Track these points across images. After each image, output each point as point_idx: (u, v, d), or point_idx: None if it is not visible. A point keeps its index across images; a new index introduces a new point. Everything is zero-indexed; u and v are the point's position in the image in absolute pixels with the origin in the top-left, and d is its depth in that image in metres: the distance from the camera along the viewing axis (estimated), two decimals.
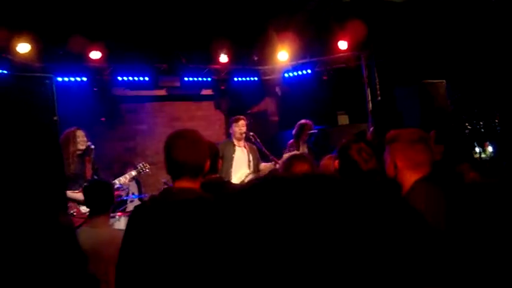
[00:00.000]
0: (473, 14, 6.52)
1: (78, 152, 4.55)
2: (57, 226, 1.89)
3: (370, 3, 6.86)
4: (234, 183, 4.61)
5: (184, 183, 1.94)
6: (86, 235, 2.65)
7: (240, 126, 5.44)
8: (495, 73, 6.98)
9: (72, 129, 4.64)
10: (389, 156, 2.27)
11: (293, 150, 5.45)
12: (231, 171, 5.27)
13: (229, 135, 5.58)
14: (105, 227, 2.90)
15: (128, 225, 1.92)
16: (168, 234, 1.82)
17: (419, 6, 6.78)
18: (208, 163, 2.09)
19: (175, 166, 1.96)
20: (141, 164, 5.31)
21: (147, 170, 5.34)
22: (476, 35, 6.68)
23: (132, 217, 1.95)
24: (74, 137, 4.54)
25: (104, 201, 2.84)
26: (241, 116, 5.52)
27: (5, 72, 5.02)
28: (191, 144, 1.97)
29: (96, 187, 2.91)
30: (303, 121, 5.99)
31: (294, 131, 5.93)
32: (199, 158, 1.97)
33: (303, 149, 5.88)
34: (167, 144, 2.00)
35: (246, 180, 5.29)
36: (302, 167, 2.48)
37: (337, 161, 2.38)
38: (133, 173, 5.24)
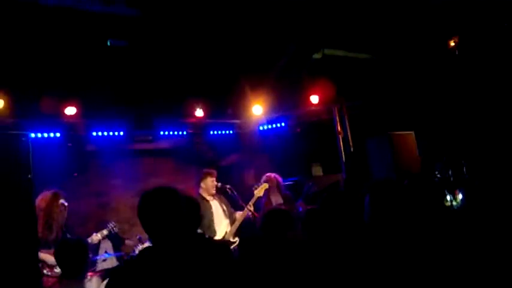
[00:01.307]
0: (438, 66, 6.91)
1: (61, 221, 4.48)
2: None
3: (339, 60, 7.20)
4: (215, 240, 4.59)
5: (163, 243, 1.92)
6: None
7: (214, 180, 5.47)
8: (461, 123, 7.31)
9: (55, 194, 4.57)
10: None
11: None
12: (214, 227, 5.24)
13: (198, 191, 5.52)
14: None
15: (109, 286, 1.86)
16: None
17: (386, 61, 7.17)
18: (184, 219, 2.07)
19: (151, 227, 1.94)
20: (111, 224, 5.23)
21: (116, 230, 5.31)
22: (441, 87, 7.05)
23: (111, 280, 1.89)
24: (58, 205, 4.48)
25: (76, 262, 2.68)
26: (212, 170, 5.55)
27: None
28: (169, 204, 1.96)
29: (68, 248, 2.75)
30: (269, 174, 6.03)
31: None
32: (178, 218, 1.95)
33: (276, 199, 5.92)
34: (140, 205, 1.97)
35: (228, 231, 5.28)
36: None
37: None
38: (105, 232, 5.14)
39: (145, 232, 2.04)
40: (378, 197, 2.39)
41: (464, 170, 7.48)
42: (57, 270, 4.11)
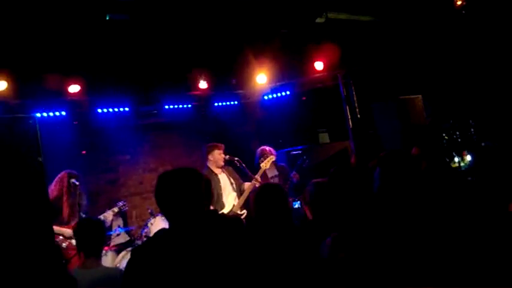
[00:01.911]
0: (444, 27, 6.75)
1: (72, 199, 4.58)
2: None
3: (343, 24, 7.05)
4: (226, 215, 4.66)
5: (179, 222, 1.94)
6: (80, 277, 2.61)
7: (222, 153, 5.47)
8: (469, 84, 7.22)
9: (67, 174, 4.65)
10: None
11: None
12: (222, 200, 5.29)
13: (206, 164, 5.54)
14: (98, 267, 2.84)
15: (127, 270, 1.89)
16: (168, 276, 1.82)
17: (390, 23, 7.01)
18: (202, 199, 2.09)
19: (169, 208, 1.95)
20: (121, 202, 5.38)
21: (126, 208, 5.52)
22: (448, 48, 6.91)
23: (133, 259, 1.92)
24: (69, 185, 4.57)
25: (96, 242, 2.78)
26: (220, 144, 5.54)
27: None
28: (185, 186, 1.97)
29: (88, 227, 2.84)
30: (264, 147, 6.03)
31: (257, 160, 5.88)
32: (195, 199, 1.97)
33: (271, 171, 5.96)
34: (159, 186, 1.99)
35: (236, 204, 5.34)
36: None
37: None
38: (115, 209, 5.29)
39: (162, 211, 2.06)
40: (388, 170, 2.38)
41: (472, 131, 7.45)
42: (74, 241, 4.24)
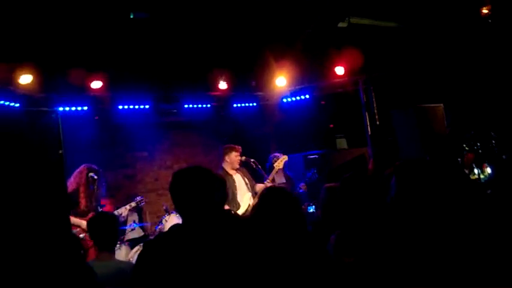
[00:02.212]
0: (469, 36, 6.66)
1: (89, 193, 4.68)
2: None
3: (365, 29, 7.01)
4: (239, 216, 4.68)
5: (192, 219, 1.96)
6: (95, 270, 2.65)
7: (238, 155, 5.51)
8: (491, 95, 7.10)
9: (85, 168, 4.77)
10: None
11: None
12: (237, 200, 5.32)
13: (221, 164, 5.58)
14: (111, 260, 2.87)
15: (139, 262, 1.93)
16: (177, 272, 1.84)
17: (414, 30, 6.94)
18: (215, 198, 2.11)
19: (183, 205, 1.98)
20: (139, 197, 5.45)
21: (143, 203, 5.58)
22: (472, 57, 6.81)
23: (142, 256, 1.95)
24: (87, 178, 4.68)
25: (110, 236, 2.82)
26: (237, 146, 5.58)
27: (8, 103, 5.05)
28: (199, 184, 1.99)
29: (102, 222, 2.88)
30: (277, 154, 6.09)
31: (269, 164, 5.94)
32: (209, 197, 1.99)
33: (279, 179, 6.00)
34: (174, 183, 2.01)
35: (251, 204, 5.36)
36: None
37: None
38: (133, 204, 5.36)
39: (176, 208, 2.09)
40: (403, 179, 2.36)
41: (494, 143, 7.31)
42: None
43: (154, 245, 2.05)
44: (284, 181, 6.05)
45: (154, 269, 1.87)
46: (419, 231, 2.15)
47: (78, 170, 4.82)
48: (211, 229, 1.99)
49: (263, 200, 2.62)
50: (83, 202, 4.68)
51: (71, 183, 4.65)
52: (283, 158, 5.75)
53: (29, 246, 1.85)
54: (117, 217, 3.04)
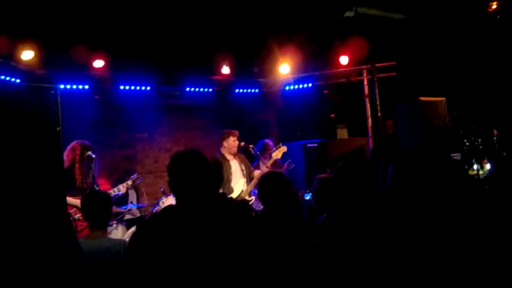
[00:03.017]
0: (473, 32, 6.60)
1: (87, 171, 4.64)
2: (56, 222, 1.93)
3: (371, 19, 6.94)
4: (234, 200, 4.71)
5: (188, 202, 1.97)
6: (85, 247, 2.66)
7: (236, 140, 5.52)
8: (494, 91, 7.06)
9: (82, 146, 4.71)
10: None
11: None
12: (230, 185, 5.34)
13: (220, 149, 5.60)
14: (103, 237, 2.86)
15: (132, 242, 1.94)
16: (170, 253, 1.85)
17: (421, 23, 6.87)
18: (211, 182, 2.12)
19: (178, 187, 1.98)
20: (134, 175, 5.44)
21: (139, 181, 5.57)
22: (477, 53, 6.76)
23: (135, 236, 1.96)
24: (85, 157, 4.63)
25: (102, 214, 2.80)
26: (234, 130, 5.59)
27: (9, 79, 5.03)
28: (195, 166, 1.99)
29: (94, 199, 2.87)
30: (265, 140, 6.16)
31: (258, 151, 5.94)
32: (203, 180, 2.00)
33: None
34: (172, 165, 2.02)
35: (244, 190, 5.38)
36: None
37: None
38: (129, 182, 5.35)
39: (171, 190, 2.10)
40: (400, 169, 2.35)
41: (495, 139, 7.29)
42: None
43: (148, 226, 2.06)
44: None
45: (147, 250, 1.88)
46: (411, 222, 2.15)
47: (70, 146, 4.68)
48: (204, 211, 2.00)
49: (262, 183, 2.66)
50: (78, 179, 4.63)
51: (64, 161, 4.55)
52: (282, 149, 5.75)
53: (20, 221, 1.85)
54: (109, 195, 3.01)
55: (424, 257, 2.03)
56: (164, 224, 1.95)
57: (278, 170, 5.87)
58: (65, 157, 4.58)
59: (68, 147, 4.69)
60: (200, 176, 2.03)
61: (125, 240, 3.18)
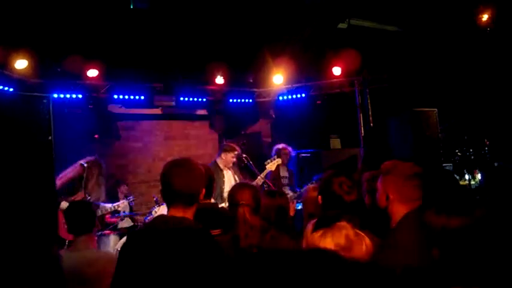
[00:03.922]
0: (465, 44, 6.67)
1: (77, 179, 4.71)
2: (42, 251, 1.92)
3: (364, 31, 7.02)
4: (225, 209, 4.69)
5: (178, 212, 1.97)
6: (66, 258, 2.64)
7: (235, 157, 5.52)
8: (486, 102, 7.12)
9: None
10: (382, 187, 2.30)
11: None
12: (224, 195, 5.32)
13: (216, 158, 5.62)
14: (87, 249, 2.77)
15: (121, 252, 1.94)
16: (157, 262, 1.85)
17: (414, 35, 6.95)
18: (203, 192, 2.12)
19: (170, 194, 1.99)
20: (130, 198, 5.59)
21: (133, 204, 5.86)
22: (468, 65, 6.83)
23: (125, 245, 1.96)
24: (77, 165, 4.70)
25: (84, 223, 2.74)
26: (238, 147, 5.59)
27: (2, 87, 5.04)
28: (187, 174, 2.00)
29: (76, 209, 2.82)
30: (286, 146, 6.13)
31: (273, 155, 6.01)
32: (195, 188, 2.00)
33: (283, 172, 6.04)
34: (164, 172, 2.03)
35: None
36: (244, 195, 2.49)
37: (320, 196, 2.43)
38: (126, 202, 5.50)
39: (163, 199, 2.10)
40: None
41: (486, 150, 7.35)
42: None
43: (137, 237, 2.06)
44: (287, 175, 6.11)
45: (134, 259, 1.88)
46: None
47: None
48: (193, 221, 2.01)
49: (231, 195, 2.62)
50: (73, 189, 4.67)
51: (68, 173, 4.66)
52: (277, 162, 5.77)
53: (9, 229, 1.85)
54: (91, 205, 2.96)
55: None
56: (154, 235, 1.95)
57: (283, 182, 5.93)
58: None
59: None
60: (190, 184, 2.04)
61: (108, 252, 3.10)
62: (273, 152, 6.07)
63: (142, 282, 1.82)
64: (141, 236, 1.97)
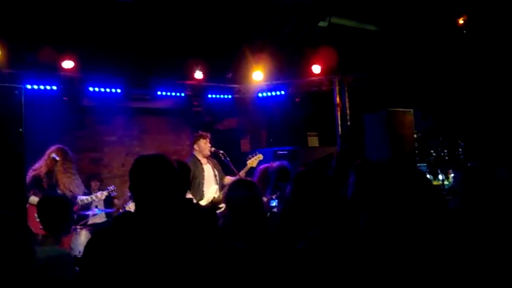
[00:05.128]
0: (443, 45, 6.79)
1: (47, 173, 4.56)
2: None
3: (344, 30, 7.06)
4: (201, 206, 4.66)
5: (147, 209, 1.93)
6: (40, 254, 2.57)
7: (208, 142, 5.47)
8: (461, 103, 7.26)
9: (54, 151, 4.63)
10: None
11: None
12: (203, 190, 5.27)
13: (192, 153, 5.55)
14: (54, 246, 2.65)
15: (86, 250, 1.89)
16: (124, 261, 1.81)
17: (393, 35, 7.03)
18: (174, 188, 2.08)
19: (139, 191, 1.94)
20: (111, 187, 5.39)
21: (115, 194, 5.59)
22: (445, 66, 6.94)
23: (90, 243, 1.91)
24: (48, 158, 4.54)
25: (57, 220, 2.64)
26: (207, 133, 5.54)
27: None
28: (157, 170, 1.96)
29: (47, 204, 2.71)
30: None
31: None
32: (164, 184, 1.96)
33: None
34: (133, 168, 1.97)
35: (216, 196, 5.31)
36: None
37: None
38: (105, 193, 5.30)
39: (132, 195, 2.05)
40: (361, 178, 2.38)
41: (460, 151, 7.50)
42: None
43: (102, 234, 2.00)
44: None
45: (98, 259, 1.83)
46: (370, 230, 2.18)
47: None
48: (163, 218, 1.96)
49: (231, 189, 2.60)
50: (42, 182, 4.53)
51: (41, 166, 4.49)
52: (258, 157, 5.72)
53: None
54: (66, 200, 2.86)
55: (381, 266, 2.06)
56: (119, 233, 1.90)
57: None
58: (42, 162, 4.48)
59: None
60: (163, 181, 1.99)
61: (68, 252, 2.98)
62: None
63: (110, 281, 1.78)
64: (107, 235, 1.92)
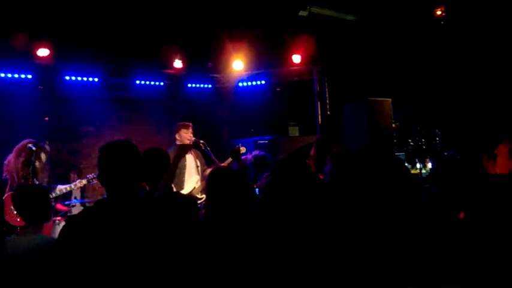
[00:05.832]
0: (422, 36, 6.85)
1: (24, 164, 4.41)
2: None
3: (324, 19, 7.06)
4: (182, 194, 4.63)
5: (117, 196, 1.92)
6: (14, 244, 2.54)
7: (189, 133, 5.42)
8: (438, 93, 7.37)
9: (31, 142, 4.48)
10: None
11: None
12: (183, 179, 5.24)
13: (174, 142, 5.50)
14: (36, 234, 2.64)
15: (60, 238, 1.87)
16: (98, 247, 1.80)
17: (372, 25, 7.06)
18: (141, 175, 2.07)
19: (107, 178, 1.93)
20: (90, 175, 5.24)
21: (95, 182, 5.28)
22: (423, 57, 7.02)
23: (64, 230, 1.89)
24: (24, 149, 4.39)
25: (33, 209, 2.61)
26: (189, 123, 5.49)
27: None
28: (124, 157, 1.94)
29: (25, 194, 2.67)
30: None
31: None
32: (131, 172, 1.95)
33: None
34: (100, 156, 1.96)
35: (197, 187, 5.30)
36: None
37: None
38: (84, 181, 5.15)
39: (102, 184, 2.03)
40: (338, 166, 2.40)
41: (437, 140, 7.63)
42: None
43: (75, 221, 1.98)
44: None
45: (74, 243, 1.82)
46: (346, 218, 2.20)
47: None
48: (130, 206, 1.95)
49: (210, 179, 2.59)
50: (18, 174, 4.42)
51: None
52: (241, 149, 5.71)
53: None
54: (44, 190, 2.82)
55: (357, 253, 2.08)
56: (92, 220, 1.89)
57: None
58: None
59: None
60: (127, 168, 1.97)
61: (55, 238, 2.98)
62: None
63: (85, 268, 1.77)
64: (79, 221, 1.90)
